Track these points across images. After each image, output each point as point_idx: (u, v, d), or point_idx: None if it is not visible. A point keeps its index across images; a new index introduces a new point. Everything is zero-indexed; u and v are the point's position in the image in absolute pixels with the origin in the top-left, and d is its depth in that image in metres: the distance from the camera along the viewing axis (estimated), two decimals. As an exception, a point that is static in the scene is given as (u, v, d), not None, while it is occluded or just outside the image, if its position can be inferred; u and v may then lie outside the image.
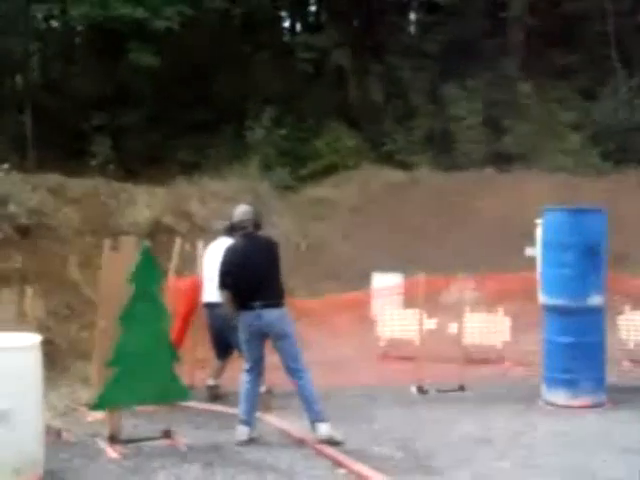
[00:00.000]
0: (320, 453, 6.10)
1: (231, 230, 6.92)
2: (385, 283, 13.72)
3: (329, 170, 20.26)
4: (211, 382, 8.12)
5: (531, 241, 13.04)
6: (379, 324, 11.43)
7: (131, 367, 6.15)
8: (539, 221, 8.78)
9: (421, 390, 8.62)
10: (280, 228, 17.09)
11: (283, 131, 19.96)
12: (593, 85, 22.89)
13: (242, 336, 6.58)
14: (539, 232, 8.67)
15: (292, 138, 20.32)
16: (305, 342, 6.96)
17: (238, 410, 6.55)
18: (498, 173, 20.48)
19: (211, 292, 7.47)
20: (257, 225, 6.72)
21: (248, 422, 6.48)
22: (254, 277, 6.43)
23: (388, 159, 21.40)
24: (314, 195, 18.86)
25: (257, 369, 6.60)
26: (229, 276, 6.54)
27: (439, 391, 8.57)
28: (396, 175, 20.26)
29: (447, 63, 22.76)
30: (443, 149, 22.39)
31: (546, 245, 8.23)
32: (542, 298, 8.26)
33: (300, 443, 6.43)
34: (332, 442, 6.24)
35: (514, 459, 5.98)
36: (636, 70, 22.82)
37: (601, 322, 8.00)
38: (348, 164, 20.68)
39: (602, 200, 14.85)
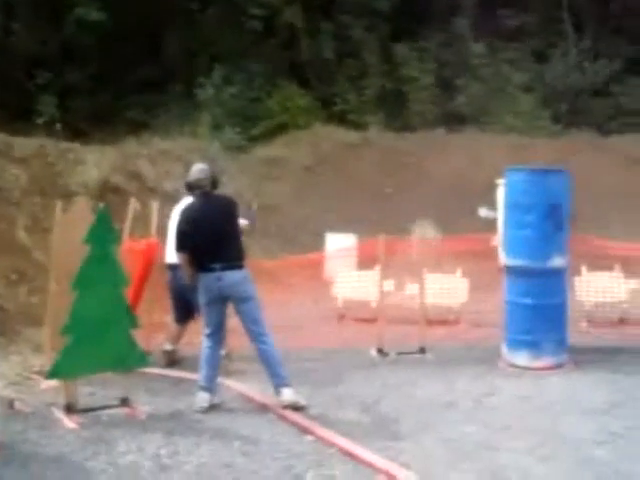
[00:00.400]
0: (285, 419, 5.96)
1: (188, 189, 6.64)
2: (338, 244, 13.65)
3: (280, 130, 20.01)
4: (168, 347, 7.90)
5: (485, 202, 13.06)
6: (335, 285, 11.30)
7: (87, 333, 5.91)
8: (500, 181, 8.70)
9: (381, 352, 8.52)
10: (231, 188, 16.84)
11: (233, 90, 19.54)
12: (545, 47, 22.98)
13: (202, 300, 6.36)
14: (500, 192, 8.58)
15: (242, 97, 19.92)
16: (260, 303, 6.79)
17: (198, 376, 6.36)
18: (450, 134, 20.47)
19: (174, 253, 7.23)
20: (214, 184, 6.49)
21: (209, 388, 6.31)
22: (213, 238, 6.22)
23: (340, 119, 21.23)
24: (265, 155, 18.61)
25: (218, 334, 6.41)
26: (187, 237, 6.32)
27: (399, 353, 8.47)
28: (348, 135, 20.13)
29: (399, 22, 22.59)
30: (395, 109, 22.31)
31: (508, 206, 8.12)
32: (504, 259, 8.19)
33: (263, 409, 6.28)
34: (296, 407, 6.11)
35: (480, 423, 5.90)
36: (587, 33, 22.94)
37: (563, 283, 7.95)
38: (299, 124, 20.45)
39: (554, 161, 14.94)
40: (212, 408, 6.22)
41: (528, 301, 7.76)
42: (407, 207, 16.55)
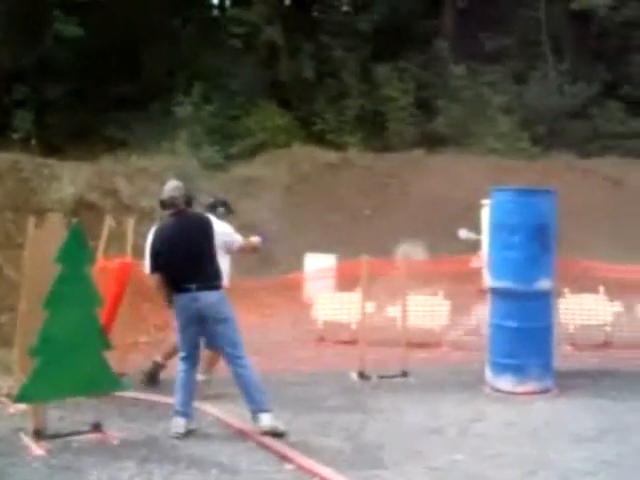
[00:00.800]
0: (264, 446, 5.71)
1: (161, 207, 6.40)
2: (318, 264, 13.44)
3: (259, 149, 19.87)
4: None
5: (465, 223, 12.95)
6: (315, 307, 11.09)
7: (57, 355, 5.64)
8: (485, 202, 8.55)
9: (362, 376, 8.30)
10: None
11: (212, 108, 19.37)
12: (524, 70, 23.04)
13: (177, 321, 6.13)
14: (485, 213, 8.42)
15: (221, 115, 19.79)
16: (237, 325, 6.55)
17: (174, 401, 6.11)
18: (429, 154, 20.41)
19: None
20: (188, 202, 6.26)
21: (185, 413, 6.05)
22: (188, 257, 6.00)
23: (319, 139, 21.13)
24: (244, 174, 18.41)
25: (193, 357, 6.17)
26: (160, 257, 6.09)
27: (381, 377, 8.25)
28: (327, 155, 20.02)
29: (380, 43, 22.56)
30: (374, 130, 22.26)
31: (494, 226, 7.95)
32: (489, 281, 8.01)
33: (242, 435, 6.03)
34: (275, 433, 5.87)
35: (467, 451, 5.69)
36: (566, 56, 23.03)
37: (549, 307, 7.78)
38: (278, 143, 20.31)
39: (533, 183, 14.88)
40: (188, 434, 5.95)
41: (513, 324, 7.57)
42: (386, 228, 16.46)
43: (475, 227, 11.82)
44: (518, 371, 7.53)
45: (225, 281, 7.35)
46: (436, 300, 10.58)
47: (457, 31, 22.91)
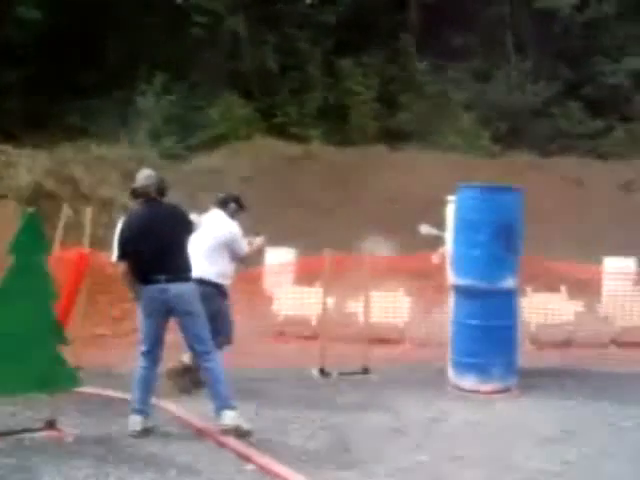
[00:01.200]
0: (225, 445, 5.55)
1: (133, 196, 6.19)
2: (278, 258, 13.27)
3: (220, 140, 19.56)
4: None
5: (426, 219, 12.87)
6: (275, 302, 10.95)
7: (9, 350, 5.43)
8: (450, 198, 8.45)
9: (323, 372, 8.19)
10: (169, 199, 16.37)
11: (173, 98, 19.05)
12: (487, 67, 23.07)
13: (142, 314, 5.95)
14: (450, 209, 8.33)
15: (182, 106, 19.44)
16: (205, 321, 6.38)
17: (131, 397, 5.93)
18: (391, 150, 20.35)
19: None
20: (161, 191, 6.06)
21: (142, 411, 5.86)
22: (158, 247, 5.81)
23: (281, 131, 20.88)
24: (204, 165, 18.14)
25: (155, 352, 5.97)
26: (128, 246, 5.91)
27: (342, 374, 8.15)
28: (289, 148, 19.80)
29: (344, 36, 22.44)
30: (337, 123, 22.10)
31: (459, 223, 7.87)
32: (453, 279, 7.93)
33: (201, 434, 5.86)
34: (239, 432, 5.71)
35: (431, 451, 5.60)
36: (529, 55, 23.12)
37: (514, 305, 7.75)
38: (240, 135, 20.04)
39: (494, 181, 14.85)
40: (146, 432, 5.76)
41: (477, 322, 7.51)
42: (347, 223, 16.32)
43: (436, 223, 11.76)
44: (481, 370, 7.48)
45: (227, 281, 7.20)
46: (398, 296, 10.51)
47: (422, 27, 22.84)
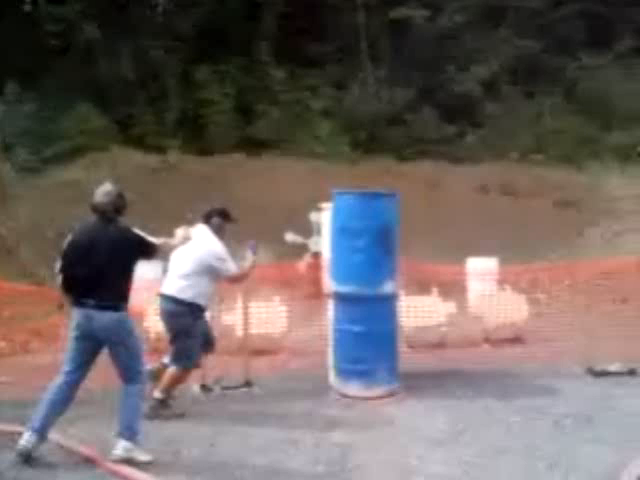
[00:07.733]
0: (115, 473, 5.24)
1: (92, 211, 5.67)
2: (143, 273, 12.87)
3: (76, 152, 18.88)
4: (158, 395, 6.84)
5: (290, 227, 12.83)
6: (146, 318, 10.57)
7: None
8: (325, 205, 8.42)
9: (205, 388, 7.95)
10: (25, 213, 15.64)
11: (26, 108, 18.21)
12: (344, 75, 23.39)
13: (70, 333, 5.60)
14: (326, 216, 8.28)
15: (36, 116, 18.61)
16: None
17: (33, 414, 5.50)
18: (250, 158, 20.31)
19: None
20: (118, 210, 5.64)
21: (39, 431, 5.45)
22: (92, 271, 5.45)
23: (138, 142, 20.40)
24: (61, 178, 17.48)
25: (76, 375, 5.60)
26: (66, 263, 5.58)
27: (224, 388, 7.95)
28: (147, 158, 19.43)
29: (200, 45, 22.19)
30: (195, 133, 21.82)
31: (337, 230, 7.84)
32: (331, 286, 7.89)
33: (89, 462, 5.51)
34: (132, 463, 5.40)
35: (327, 463, 5.51)
36: (383, 63, 23.62)
37: (394, 309, 7.79)
38: (96, 146, 19.40)
39: (354, 187, 15.01)
40: (31, 462, 5.36)
41: (359, 329, 7.48)
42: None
43: (301, 231, 11.73)
44: (366, 376, 7.46)
45: (204, 300, 6.90)
46: (273, 306, 10.38)
47: (278, 35, 22.90)
